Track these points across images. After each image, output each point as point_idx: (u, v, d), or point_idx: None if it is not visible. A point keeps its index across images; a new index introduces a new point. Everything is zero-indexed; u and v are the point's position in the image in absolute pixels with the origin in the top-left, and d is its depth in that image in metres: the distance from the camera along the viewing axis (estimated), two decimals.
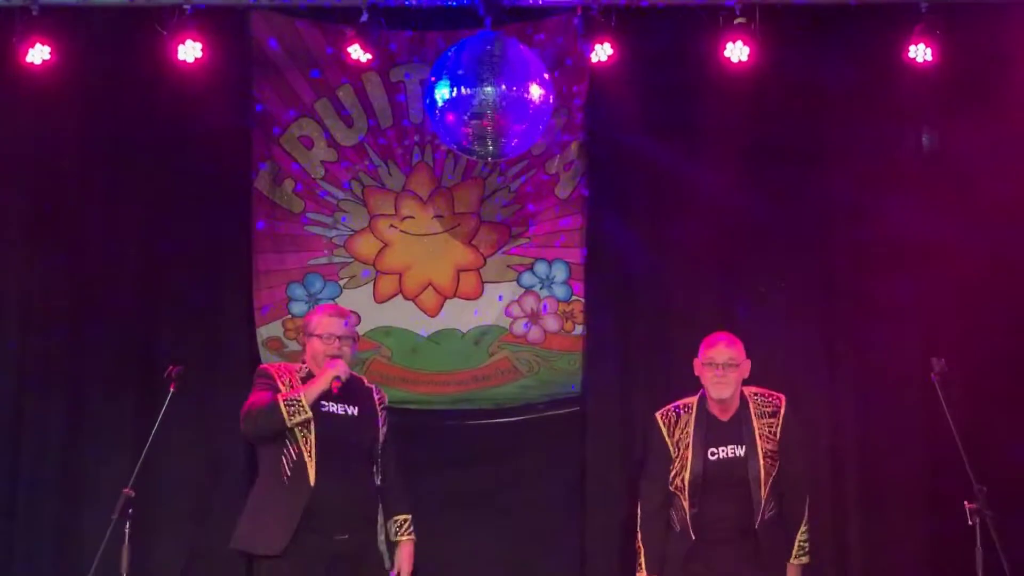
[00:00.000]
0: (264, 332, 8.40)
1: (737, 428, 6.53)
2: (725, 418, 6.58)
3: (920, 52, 7.69)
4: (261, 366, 6.75)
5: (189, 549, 8.21)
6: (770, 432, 6.50)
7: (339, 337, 6.39)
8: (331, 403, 6.31)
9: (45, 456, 8.14)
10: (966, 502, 6.46)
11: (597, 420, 8.23)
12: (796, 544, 6.47)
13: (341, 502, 6.24)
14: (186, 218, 8.37)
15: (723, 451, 6.51)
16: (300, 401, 6.17)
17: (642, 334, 8.27)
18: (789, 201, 8.27)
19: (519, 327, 8.45)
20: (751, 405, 6.55)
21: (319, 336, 6.43)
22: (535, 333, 8.46)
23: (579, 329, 8.40)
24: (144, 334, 8.21)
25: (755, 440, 6.47)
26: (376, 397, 6.58)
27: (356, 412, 6.41)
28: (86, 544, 7.44)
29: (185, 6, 7.58)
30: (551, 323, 8.45)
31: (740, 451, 6.49)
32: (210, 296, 8.37)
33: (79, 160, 8.35)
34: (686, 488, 6.49)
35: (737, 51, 7.78)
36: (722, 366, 6.52)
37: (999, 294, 8.05)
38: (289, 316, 8.42)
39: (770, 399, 6.60)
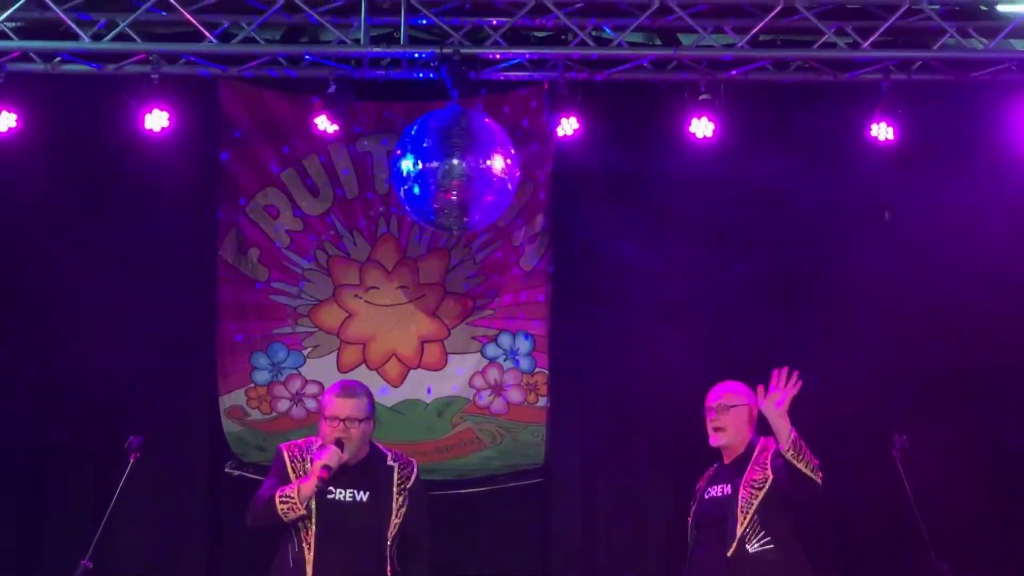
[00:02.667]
0: (227, 401, 8.38)
1: (733, 470, 6.46)
2: (727, 462, 6.53)
3: (882, 130, 7.78)
4: (279, 445, 6.18)
5: None
6: (761, 467, 6.37)
7: (343, 419, 5.91)
8: (339, 489, 5.91)
9: (4, 524, 8.06)
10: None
11: (560, 492, 8.22)
12: None
13: None
14: (151, 285, 8.37)
15: (715, 490, 6.48)
16: (293, 499, 5.82)
17: (605, 406, 8.27)
18: (752, 274, 8.32)
19: (483, 398, 8.46)
20: (754, 450, 6.47)
21: (326, 417, 5.98)
22: (498, 404, 8.46)
23: (543, 401, 8.41)
24: (106, 402, 8.17)
25: (743, 476, 6.38)
26: (399, 475, 6.04)
27: (366, 497, 5.94)
28: None
29: (152, 75, 7.57)
30: (515, 395, 8.45)
31: (727, 489, 6.44)
32: (173, 364, 8.35)
33: (44, 227, 8.34)
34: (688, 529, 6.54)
35: (702, 127, 7.84)
36: (715, 408, 6.46)
37: (959, 367, 8.12)
38: (252, 385, 8.41)
39: (768, 444, 6.43)
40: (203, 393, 8.37)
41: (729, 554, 6.31)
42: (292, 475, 5.96)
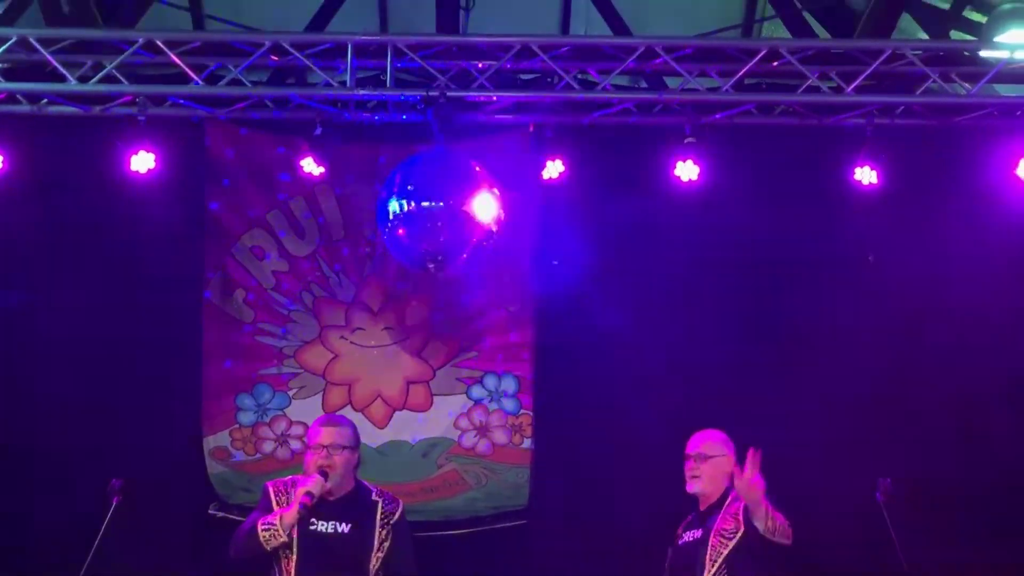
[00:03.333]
0: (211, 442, 8.37)
1: (707, 518, 6.45)
2: (702, 508, 6.51)
3: (865, 174, 7.81)
4: (265, 483, 6.26)
5: None
6: (734, 517, 6.36)
7: (327, 447, 6.01)
8: (322, 521, 5.97)
9: None
10: None
11: (543, 534, 8.20)
12: None
13: None
14: (137, 327, 8.37)
15: (688, 536, 6.47)
16: (276, 527, 5.89)
17: (590, 448, 8.27)
18: (737, 315, 8.34)
19: (468, 440, 8.46)
20: (727, 499, 6.44)
21: (311, 447, 6.08)
22: (483, 446, 8.46)
23: (528, 442, 8.41)
24: (90, 444, 8.14)
25: (714, 524, 6.38)
26: (383, 510, 6.12)
27: (347, 529, 6.02)
28: None
29: (139, 117, 7.58)
30: (500, 436, 8.46)
31: (698, 536, 6.42)
32: (158, 405, 8.32)
33: (30, 267, 8.34)
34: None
35: (687, 170, 7.87)
36: (693, 457, 6.47)
37: (945, 413, 8.14)
38: (237, 426, 8.41)
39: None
40: (188, 434, 8.35)
41: None
42: (276, 509, 6.01)
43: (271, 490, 6.12)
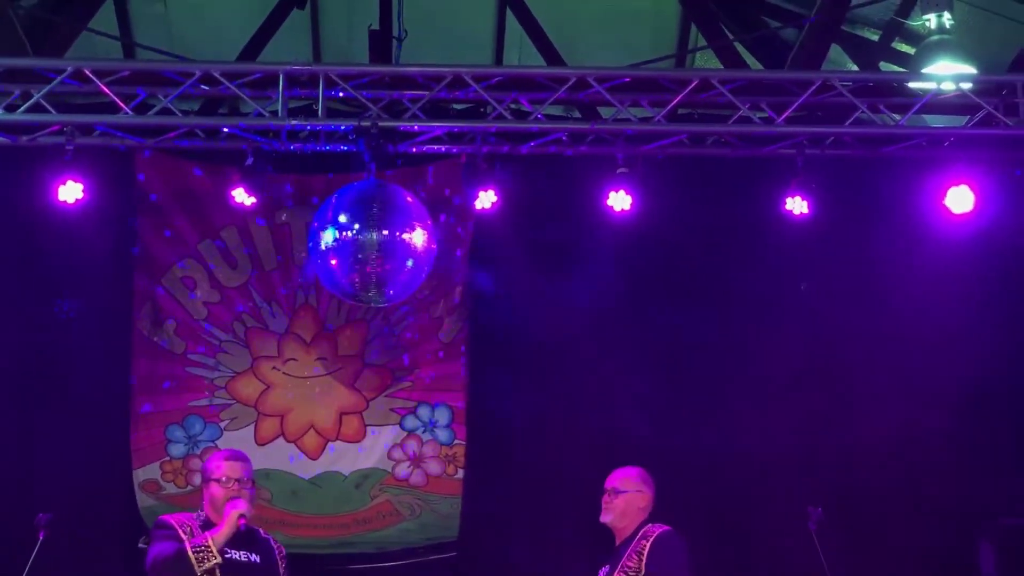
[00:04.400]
0: (141, 474, 8.29)
1: (618, 553, 6.46)
2: (617, 543, 6.52)
3: (796, 204, 7.86)
4: (160, 517, 6.35)
5: None
6: (638, 555, 6.37)
7: (238, 480, 6.16)
8: (234, 550, 6.10)
9: None
10: None
11: (474, 565, 8.16)
12: None
13: None
14: (65, 356, 8.26)
15: (602, 572, 6.47)
16: (208, 547, 5.97)
17: (521, 480, 8.26)
18: (670, 343, 8.36)
19: (401, 470, 8.42)
20: (637, 536, 6.45)
21: (217, 480, 6.17)
22: (417, 476, 8.43)
23: (461, 473, 8.38)
24: (16, 478, 8.01)
25: (620, 560, 6.38)
26: (276, 547, 6.34)
27: (259, 560, 6.18)
28: None
29: (67, 146, 7.47)
30: (433, 467, 8.42)
31: (607, 571, 6.43)
32: (88, 437, 8.21)
33: None
34: None
35: (620, 200, 7.88)
36: (608, 491, 6.50)
37: (875, 436, 8.20)
38: (167, 458, 8.33)
39: (649, 532, 6.49)
40: (117, 468, 8.25)
41: None
42: (187, 539, 6.05)
43: (174, 523, 6.19)
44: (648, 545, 6.30)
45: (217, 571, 6.00)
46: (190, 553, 5.97)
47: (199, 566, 5.95)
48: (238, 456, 6.34)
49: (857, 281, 8.31)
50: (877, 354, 8.19)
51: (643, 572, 6.26)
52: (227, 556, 6.04)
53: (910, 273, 8.19)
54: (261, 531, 6.39)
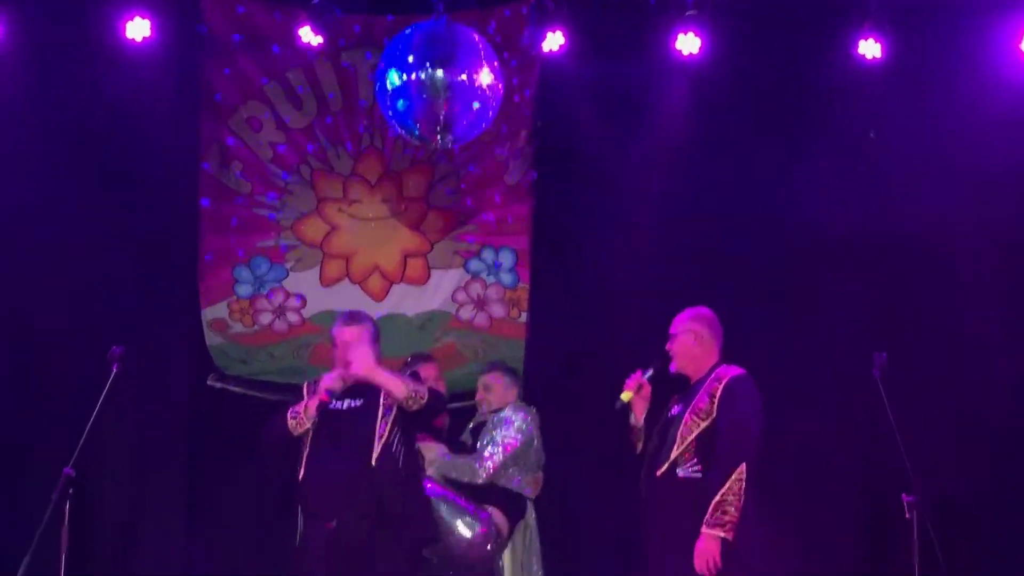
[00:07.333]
0: (209, 313, 8.37)
1: (691, 392, 6.47)
2: (692, 383, 6.51)
3: (869, 48, 7.72)
4: (307, 381, 6.61)
5: (129, 529, 8.18)
6: (710, 397, 6.37)
7: (341, 343, 6.39)
8: (339, 402, 6.30)
9: None
10: (904, 495, 6.52)
11: (539, 407, 8.21)
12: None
13: (324, 490, 6.19)
14: (132, 198, 8.31)
15: (674, 408, 6.49)
16: (301, 415, 6.26)
17: (587, 321, 8.28)
18: (736, 193, 8.29)
19: (465, 313, 8.46)
20: (710, 377, 6.43)
21: (334, 344, 6.49)
22: (481, 319, 8.47)
23: (525, 316, 8.42)
24: (89, 314, 8.14)
25: (692, 401, 6.39)
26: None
27: (359, 404, 6.31)
28: (26, 524, 7.38)
29: None
30: (497, 310, 8.46)
31: (679, 410, 6.44)
32: (155, 277, 8.32)
33: (21, 138, 8.23)
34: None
35: (688, 43, 7.80)
36: (670, 335, 6.52)
37: (942, 289, 8.13)
38: (235, 298, 8.41)
39: (722, 374, 6.39)
40: (186, 306, 8.34)
41: (659, 473, 6.33)
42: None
43: (305, 387, 6.49)
44: (720, 388, 6.30)
45: (310, 433, 6.29)
46: (288, 418, 6.31)
47: (293, 431, 6.30)
48: (349, 319, 6.55)
49: (929, 130, 8.14)
50: (951, 203, 8.05)
51: (714, 416, 6.27)
52: (331, 407, 6.27)
53: (987, 122, 8.03)
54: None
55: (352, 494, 6.15)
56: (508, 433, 7.03)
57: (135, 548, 8.19)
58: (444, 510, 6.75)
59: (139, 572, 8.18)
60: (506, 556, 7.08)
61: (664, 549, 6.25)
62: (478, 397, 7.44)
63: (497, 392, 7.31)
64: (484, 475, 6.94)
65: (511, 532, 7.03)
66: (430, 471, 6.90)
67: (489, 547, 6.75)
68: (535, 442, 7.14)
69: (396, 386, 6.22)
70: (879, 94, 8.13)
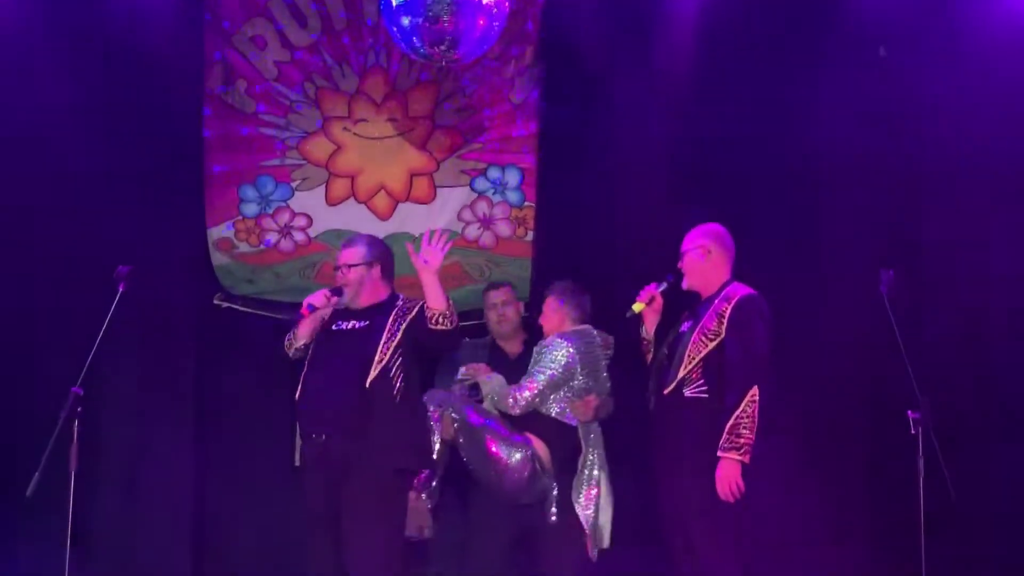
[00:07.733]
0: (215, 233, 8.37)
1: (700, 310, 6.47)
2: (703, 300, 6.52)
3: None
4: None
5: (138, 447, 8.23)
6: (718, 317, 6.37)
7: (339, 266, 6.55)
8: (344, 322, 6.46)
9: None
10: (909, 412, 6.54)
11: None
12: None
13: (319, 406, 6.29)
14: (136, 117, 8.27)
15: (684, 324, 6.50)
16: (291, 335, 6.57)
17: (592, 239, 8.27)
18: (745, 112, 8.24)
19: (471, 232, 8.45)
20: (718, 297, 6.41)
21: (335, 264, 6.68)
22: (487, 238, 8.46)
23: (531, 235, 8.40)
24: (94, 233, 8.13)
25: (701, 319, 6.39)
26: (400, 307, 6.44)
27: (363, 325, 6.41)
28: (35, 443, 7.43)
29: None
30: (503, 228, 8.45)
31: (687, 328, 6.45)
32: (160, 196, 8.30)
33: (22, 57, 8.19)
34: None
35: None
36: (681, 253, 6.53)
37: (952, 207, 8.10)
38: (240, 217, 8.39)
39: (731, 293, 6.41)
40: (191, 225, 8.33)
41: (666, 392, 6.34)
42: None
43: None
44: (729, 309, 6.29)
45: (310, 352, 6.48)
46: (286, 339, 6.58)
47: (288, 349, 6.59)
48: (348, 242, 6.68)
49: (941, 47, 8.07)
50: (964, 123, 7.99)
51: (722, 337, 6.27)
52: (334, 328, 6.47)
53: (1004, 44, 7.95)
54: (400, 298, 6.55)
55: (342, 413, 6.21)
56: (546, 364, 6.80)
57: (144, 466, 8.24)
58: (487, 437, 6.67)
59: (148, 490, 8.23)
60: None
61: (672, 468, 6.30)
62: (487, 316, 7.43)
63: (548, 317, 7.08)
64: (516, 409, 6.74)
65: (558, 461, 6.82)
66: (487, 403, 6.87)
67: (527, 474, 6.65)
68: (579, 370, 6.81)
69: (440, 297, 6.24)
70: (892, 14, 8.06)
